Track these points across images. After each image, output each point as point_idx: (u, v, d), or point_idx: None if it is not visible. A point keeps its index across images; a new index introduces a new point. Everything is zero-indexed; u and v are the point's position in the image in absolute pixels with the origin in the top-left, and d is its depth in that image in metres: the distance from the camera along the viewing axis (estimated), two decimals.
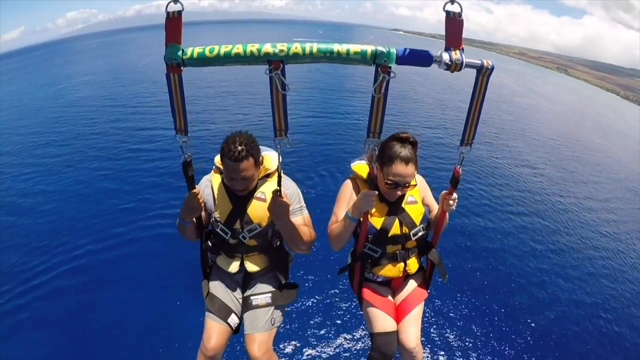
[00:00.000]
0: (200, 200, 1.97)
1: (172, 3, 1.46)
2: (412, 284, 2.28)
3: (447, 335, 5.04)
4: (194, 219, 2.08)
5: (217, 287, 2.25)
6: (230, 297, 2.22)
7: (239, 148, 1.86)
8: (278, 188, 1.87)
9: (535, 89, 42.24)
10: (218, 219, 2.11)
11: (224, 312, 2.16)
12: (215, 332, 2.10)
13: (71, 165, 9.77)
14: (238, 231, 2.10)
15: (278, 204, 1.87)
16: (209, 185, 2.16)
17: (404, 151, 1.92)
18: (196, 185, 1.98)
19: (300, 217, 2.14)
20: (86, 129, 13.05)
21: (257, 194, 2.10)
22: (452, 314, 5.40)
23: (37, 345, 4.62)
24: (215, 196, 2.12)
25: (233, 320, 2.16)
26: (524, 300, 5.99)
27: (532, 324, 5.49)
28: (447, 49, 1.48)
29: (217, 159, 2.11)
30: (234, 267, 2.17)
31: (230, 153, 1.86)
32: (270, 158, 2.14)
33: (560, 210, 9.53)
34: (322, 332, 4.85)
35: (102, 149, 10.79)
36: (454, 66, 1.47)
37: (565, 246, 7.84)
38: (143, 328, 4.80)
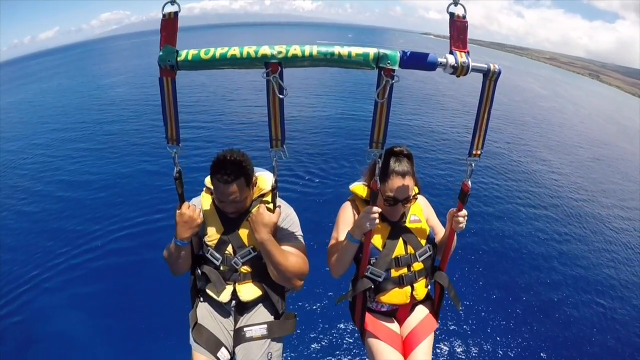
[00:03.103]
0: (200, 213, 1.88)
1: (169, 4, 1.44)
2: (420, 314, 2.06)
3: None
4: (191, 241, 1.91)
5: (206, 317, 2.02)
6: (220, 329, 2.00)
7: (229, 170, 1.75)
8: (271, 205, 1.75)
9: (563, 94, 40.86)
10: (208, 244, 1.96)
11: (212, 345, 1.93)
12: None
13: (117, 153, 10.60)
14: (230, 257, 1.93)
15: (260, 215, 1.75)
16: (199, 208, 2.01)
17: (399, 165, 1.81)
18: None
19: (292, 244, 1.91)
20: (129, 123, 13.87)
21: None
22: (467, 346, 4.91)
23: (88, 313, 5.13)
24: (206, 218, 1.96)
25: (223, 354, 1.93)
26: (551, 332, 5.36)
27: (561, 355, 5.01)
28: (452, 52, 1.43)
29: (207, 179, 1.96)
30: (225, 295, 1.95)
31: (219, 175, 1.75)
32: (265, 179, 1.99)
33: (577, 215, 9.23)
34: None
35: (144, 142, 11.44)
36: (459, 70, 1.41)
37: (589, 258, 7.44)
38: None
